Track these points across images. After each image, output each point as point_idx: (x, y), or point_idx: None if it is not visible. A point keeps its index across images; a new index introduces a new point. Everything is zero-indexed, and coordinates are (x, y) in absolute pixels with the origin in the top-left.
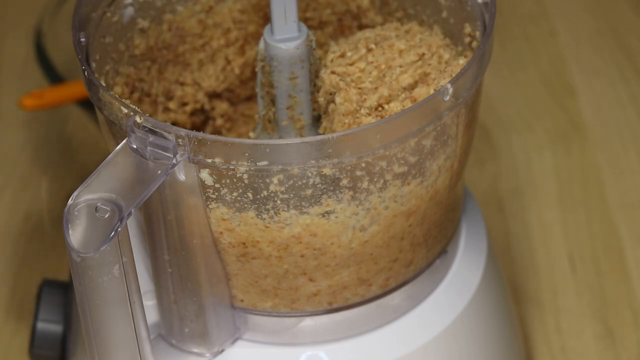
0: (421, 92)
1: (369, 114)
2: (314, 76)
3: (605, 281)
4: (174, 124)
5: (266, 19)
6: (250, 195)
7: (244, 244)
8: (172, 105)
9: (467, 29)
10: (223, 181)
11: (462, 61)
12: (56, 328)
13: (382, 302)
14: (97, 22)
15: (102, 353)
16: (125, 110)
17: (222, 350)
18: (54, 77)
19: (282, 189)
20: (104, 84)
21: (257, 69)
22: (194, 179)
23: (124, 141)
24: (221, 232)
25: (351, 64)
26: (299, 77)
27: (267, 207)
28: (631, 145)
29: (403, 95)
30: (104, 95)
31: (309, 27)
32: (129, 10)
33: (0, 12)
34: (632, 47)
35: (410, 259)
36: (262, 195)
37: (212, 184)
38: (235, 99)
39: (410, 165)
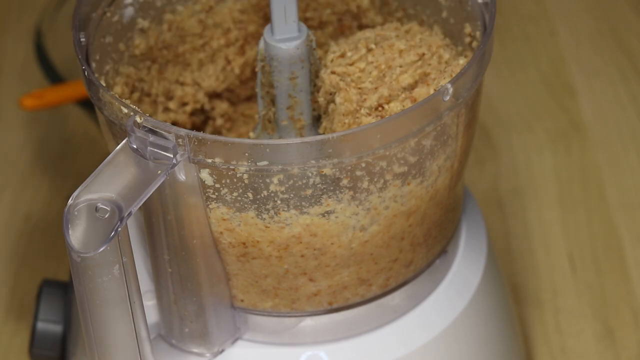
0: (421, 92)
1: (369, 114)
2: (314, 76)
3: (605, 281)
4: (174, 124)
5: (266, 19)
6: (250, 195)
7: (244, 244)
8: (172, 105)
9: (467, 29)
10: (223, 181)
11: (462, 61)
12: (56, 328)
13: (382, 302)
14: (97, 22)
15: (102, 353)
16: (125, 110)
17: (222, 350)
18: (54, 77)
19: (282, 189)
20: (104, 84)
21: (257, 69)
22: (194, 179)
23: (124, 141)
24: (221, 232)
25: (351, 64)
26: (299, 77)
27: (267, 207)
28: (631, 145)
29: (403, 95)
30: (104, 95)
31: (309, 27)
32: (129, 10)
33: (0, 11)
34: (632, 47)
35: (411, 259)
36: (262, 195)
37: (212, 184)
38: (235, 99)
39: (410, 165)
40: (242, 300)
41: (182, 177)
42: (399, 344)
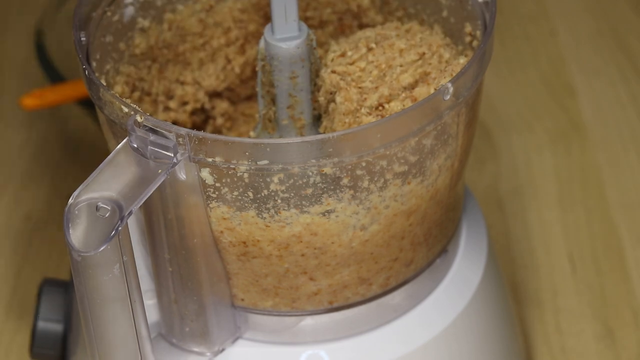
0: (421, 92)
1: (370, 114)
2: (315, 75)
3: (605, 281)
4: (175, 123)
5: (267, 18)
6: (250, 194)
7: (244, 243)
8: (172, 104)
9: (468, 28)
10: (223, 180)
11: (462, 60)
12: (57, 327)
13: (382, 301)
14: (98, 21)
15: (102, 352)
16: (126, 110)
17: (223, 350)
18: (54, 76)
19: (283, 188)
20: (104, 83)
21: (257, 68)
22: (195, 178)
23: (124, 140)
24: (222, 231)
25: (351, 63)
26: (299, 77)
27: (267, 206)
28: (631, 145)
29: (403, 95)
30: (105, 95)
31: (310, 26)
32: (130, 10)
33: (0, 11)
34: (632, 47)
35: (411, 258)
36: (263, 195)
37: (213, 183)
38: (235, 98)
39: (410, 164)
40: (242, 300)
41: (182, 176)
42: (400, 343)
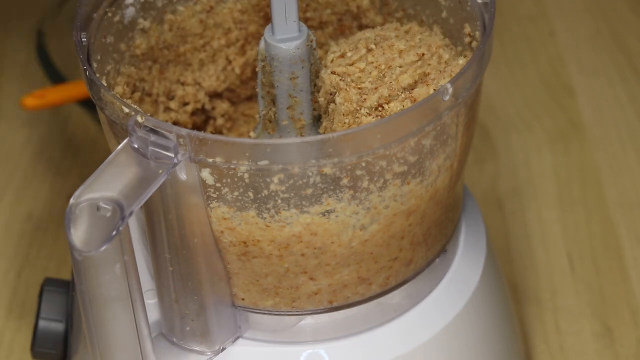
0: (421, 92)
1: (369, 114)
2: (314, 76)
3: (604, 280)
4: (175, 123)
5: (267, 19)
6: (251, 194)
7: (244, 243)
8: (173, 105)
9: (467, 29)
10: (224, 180)
11: (461, 61)
12: (58, 326)
13: (382, 300)
14: (99, 22)
15: (103, 351)
16: (127, 110)
17: (223, 349)
18: (55, 77)
19: (283, 188)
20: (105, 84)
21: (257, 69)
22: (195, 178)
23: (125, 141)
24: (222, 231)
25: (351, 64)
26: (299, 77)
27: (267, 206)
28: (630, 145)
29: (403, 95)
30: (105, 95)
31: (309, 27)
32: (130, 11)
33: (1, 12)
34: (631, 47)
35: (410, 258)
36: (263, 195)
37: (213, 183)
38: (235, 98)
39: (410, 164)
40: (242, 299)
41: (183, 176)
42: (399, 343)
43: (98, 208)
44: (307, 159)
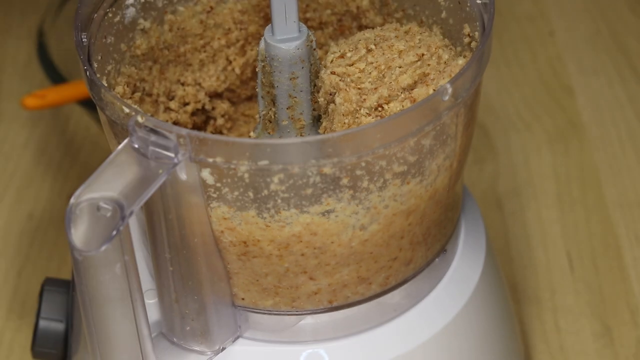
0: (420, 93)
1: (369, 114)
2: (314, 76)
3: (603, 280)
4: (175, 123)
5: (267, 19)
6: (251, 194)
7: (244, 242)
8: (173, 105)
9: (466, 29)
10: (224, 180)
11: (461, 61)
12: (58, 326)
13: (382, 300)
14: (99, 22)
15: (104, 351)
16: (127, 110)
17: (223, 349)
18: (55, 77)
19: (283, 188)
20: (105, 84)
21: (257, 69)
22: (195, 178)
23: (125, 141)
24: (222, 231)
25: (351, 65)
26: (299, 78)
27: (267, 206)
28: (629, 145)
29: (402, 96)
30: (106, 95)
31: (309, 27)
32: (131, 11)
33: (2, 12)
34: (630, 47)
35: (410, 258)
36: (263, 194)
37: (213, 183)
38: (236, 98)
39: (409, 164)
40: (242, 299)
41: (183, 176)
42: (399, 342)
43: (98, 208)
44: (307, 159)
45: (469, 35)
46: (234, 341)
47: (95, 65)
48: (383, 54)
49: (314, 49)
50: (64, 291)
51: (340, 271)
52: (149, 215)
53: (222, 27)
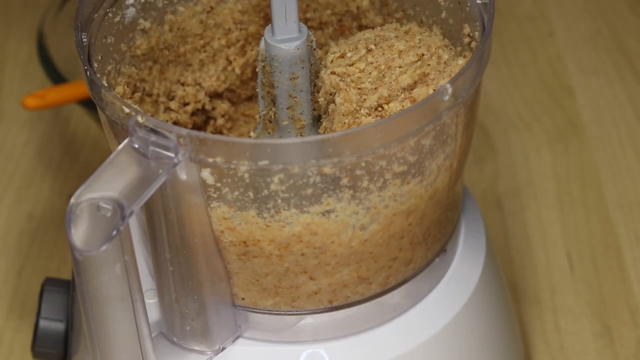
0: (420, 93)
1: (369, 114)
2: (314, 76)
3: (603, 280)
4: (176, 123)
5: (267, 19)
6: (251, 194)
7: (244, 242)
8: (173, 105)
9: (466, 29)
10: (224, 180)
11: (461, 61)
12: (58, 326)
13: (382, 300)
14: (99, 22)
15: (104, 351)
16: (127, 110)
17: (223, 348)
18: (56, 77)
19: (283, 188)
20: (105, 84)
21: (257, 69)
22: (195, 178)
23: (125, 141)
24: (222, 231)
25: (351, 65)
26: (299, 78)
27: (267, 206)
28: (629, 145)
29: (402, 96)
30: (106, 96)
31: (309, 27)
32: (131, 11)
33: (2, 12)
34: (630, 47)
35: (410, 258)
36: (263, 194)
37: (213, 183)
38: (236, 99)
39: (409, 164)
40: (243, 299)
41: (183, 176)
42: (399, 342)
43: (98, 208)
44: (307, 159)
45: (469, 35)
46: (234, 341)
47: (96, 65)
48: (383, 54)
49: (314, 49)
50: (64, 291)
51: (340, 271)
52: (149, 215)
53: (222, 27)
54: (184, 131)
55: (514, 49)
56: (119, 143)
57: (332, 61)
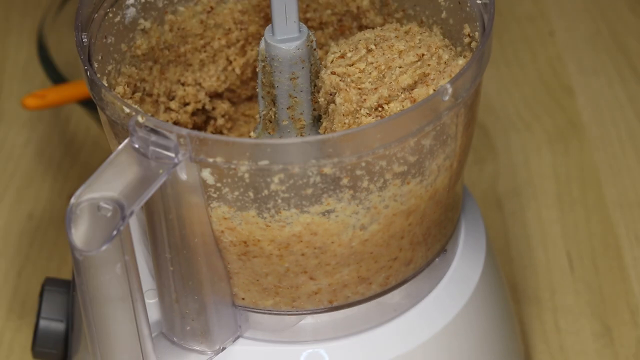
0: (421, 93)
1: (369, 114)
2: (314, 76)
3: (603, 280)
4: (176, 123)
5: (267, 19)
6: (251, 194)
7: (245, 242)
8: (173, 105)
9: (466, 29)
10: (224, 180)
11: (461, 61)
12: (59, 326)
13: (382, 300)
14: (99, 22)
15: (104, 351)
16: (127, 110)
17: (224, 348)
18: (56, 77)
19: (283, 188)
20: (106, 84)
21: (258, 69)
22: (196, 178)
23: (126, 141)
24: (222, 231)
25: (351, 65)
26: (299, 78)
27: (268, 206)
28: (629, 145)
29: (403, 96)
30: (106, 96)
31: (310, 27)
32: (131, 11)
33: (2, 12)
34: (630, 47)
35: (410, 258)
36: (263, 194)
37: (214, 183)
38: (236, 99)
39: (409, 164)
40: (243, 299)
41: (183, 176)
42: (399, 342)
43: (99, 208)
44: (307, 159)
45: (469, 35)
46: (234, 341)
47: (96, 65)
48: (383, 54)
49: (314, 49)
50: (64, 291)
51: (340, 271)
52: (149, 215)
53: (223, 27)
54: (184, 131)
55: (514, 49)
56: (119, 143)
57: (332, 61)
